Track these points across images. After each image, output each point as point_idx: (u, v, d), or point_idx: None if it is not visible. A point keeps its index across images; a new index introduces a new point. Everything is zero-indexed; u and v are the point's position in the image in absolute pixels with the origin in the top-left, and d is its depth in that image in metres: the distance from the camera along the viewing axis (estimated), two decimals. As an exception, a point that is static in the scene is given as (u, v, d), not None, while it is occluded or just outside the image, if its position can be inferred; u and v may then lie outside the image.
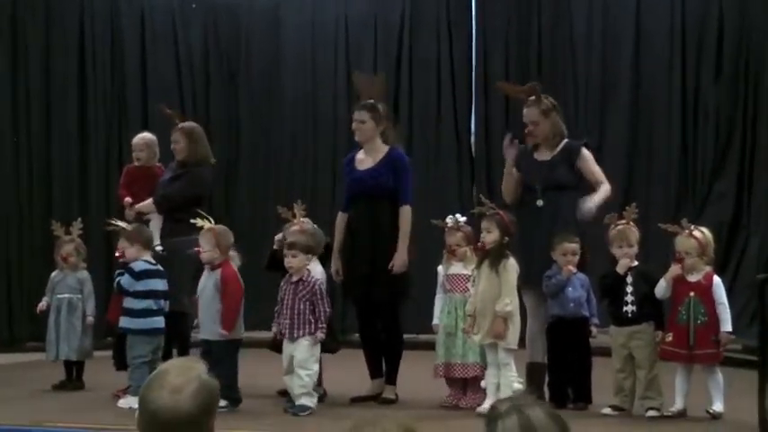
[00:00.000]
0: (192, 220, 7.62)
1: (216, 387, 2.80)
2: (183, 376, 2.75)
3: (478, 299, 7.23)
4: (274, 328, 7.51)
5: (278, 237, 8.04)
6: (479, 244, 7.32)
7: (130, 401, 7.57)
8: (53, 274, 8.75)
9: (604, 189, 7.64)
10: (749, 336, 8.76)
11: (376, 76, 9.14)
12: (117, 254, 8.48)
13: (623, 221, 7.33)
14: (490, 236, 7.22)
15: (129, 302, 7.76)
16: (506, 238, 7.24)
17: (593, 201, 7.57)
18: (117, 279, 7.80)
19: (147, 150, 8.92)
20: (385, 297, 7.79)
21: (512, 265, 7.17)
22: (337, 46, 11.99)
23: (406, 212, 7.79)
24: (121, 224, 8.09)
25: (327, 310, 7.36)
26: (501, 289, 7.13)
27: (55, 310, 8.63)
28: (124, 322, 7.77)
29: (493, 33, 11.48)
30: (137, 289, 7.74)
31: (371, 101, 7.90)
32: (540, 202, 7.63)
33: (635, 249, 7.28)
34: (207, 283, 7.52)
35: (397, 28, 11.77)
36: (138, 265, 7.77)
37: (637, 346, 7.15)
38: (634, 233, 7.28)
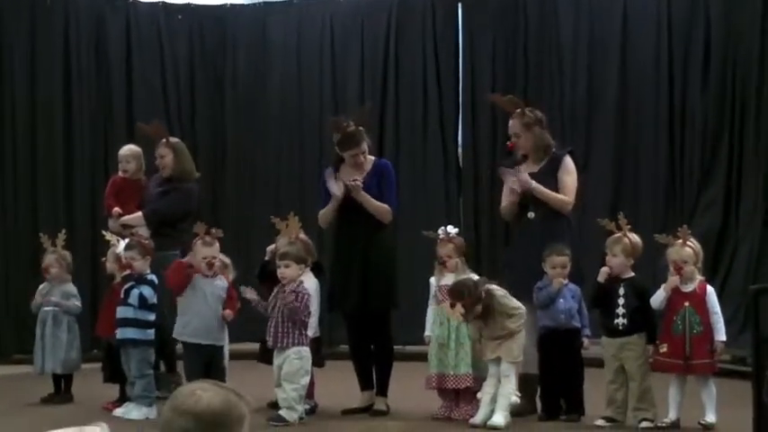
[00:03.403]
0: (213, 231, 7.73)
1: (238, 408, 2.75)
2: (210, 387, 2.75)
3: (486, 336, 7.24)
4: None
5: (270, 248, 8.03)
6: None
7: (133, 412, 7.66)
8: (41, 286, 8.72)
9: (559, 196, 7.68)
10: (738, 346, 8.78)
11: (363, 107, 9.11)
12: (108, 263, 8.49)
13: (620, 232, 7.32)
14: (472, 314, 7.21)
15: (142, 314, 7.81)
16: (483, 298, 7.20)
17: (532, 181, 7.62)
18: (138, 291, 7.77)
19: (134, 162, 8.94)
20: (378, 308, 7.79)
21: (502, 293, 7.19)
22: (323, 56, 11.95)
23: (386, 207, 7.84)
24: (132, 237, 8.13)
25: (305, 320, 7.35)
26: (506, 313, 7.15)
27: (41, 322, 8.61)
28: (135, 334, 7.80)
29: (479, 45, 11.46)
30: (153, 302, 7.81)
31: (355, 129, 7.88)
32: (531, 215, 7.69)
33: (620, 259, 7.22)
34: (210, 289, 7.62)
35: (383, 39, 11.75)
36: (154, 278, 7.85)
37: (628, 358, 7.15)
38: (621, 244, 7.25)
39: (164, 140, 8.71)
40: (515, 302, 7.22)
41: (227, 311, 7.66)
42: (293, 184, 11.84)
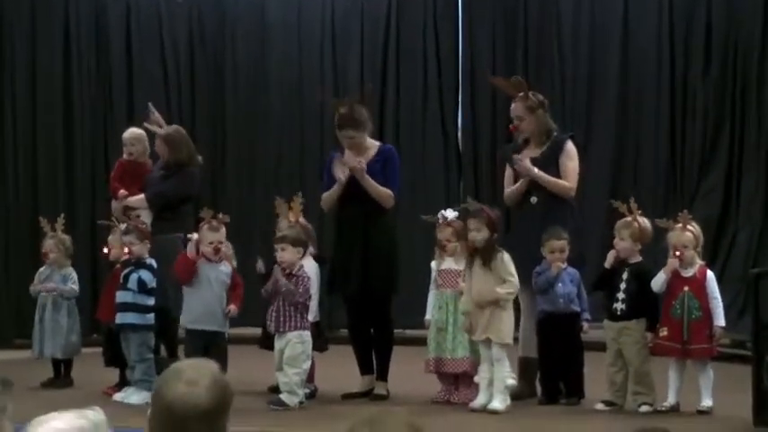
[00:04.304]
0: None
1: (229, 387, 2.82)
2: (198, 372, 2.79)
3: (474, 296, 7.21)
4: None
5: (258, 265, 7.93)
6: (468, 243, 7.30)
7: (133, 396, 7.66)
8: (40, 270, 8.72)
9: (561, 182, 7.66)
10: (737, 330, 8.78)
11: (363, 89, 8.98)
12: (106, 250, 8.48)
13: (631, 216, 7.29)
14: (480, 234, 7.21)
15: (141, 299, 7.81)
16: (495, 235, 7.23)
17: (533, 168, 7.59)
18: (136, 276, 7.77)
19: (138, 144, 8.92)
20: (378, 291, 7.78)
21: (507, 257, 7.16)
22: (323, 39, 11.91)
23: (389, 192, 7.80)
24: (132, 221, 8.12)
25: (306, 303, 7.36)
26: (501, 277, 7.12)
27: (40, 307, 8.61)
28: (134, 319, 7.80)
29: (480, 26, 11.44)
30: (152, 286, 7.81)
31: (347, 112, 7.82)
32: (533, 199, 7.67)
33: (627, 244, 7.21)
34: (214, 274, 7.64)
35: (383, 20, 11.72)
36: (153, 263, 7.85)
37: (625, 343, 7.16)
38: (630, 228, 7.23)
39: (159, 134, 8.67)
40: (514, 272, 7.18)
41: (232, 306, 7.67)
42: (294, 169, 11.82)
